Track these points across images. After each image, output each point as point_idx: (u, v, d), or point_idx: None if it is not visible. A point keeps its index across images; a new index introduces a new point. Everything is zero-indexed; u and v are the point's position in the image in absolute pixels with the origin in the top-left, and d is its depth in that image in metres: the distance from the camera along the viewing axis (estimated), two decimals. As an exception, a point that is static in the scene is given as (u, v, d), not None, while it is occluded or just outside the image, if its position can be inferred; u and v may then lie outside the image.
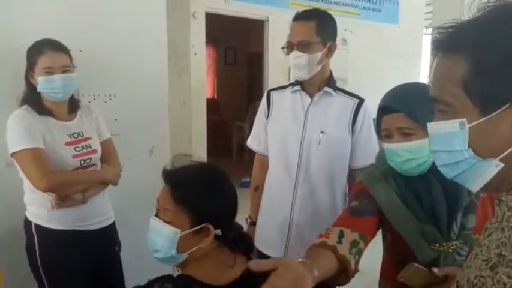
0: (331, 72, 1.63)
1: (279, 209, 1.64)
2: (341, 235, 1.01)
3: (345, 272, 0.97)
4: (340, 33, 5.75)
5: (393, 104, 1.04)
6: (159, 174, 1.00)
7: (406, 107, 1.01)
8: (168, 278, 0.93)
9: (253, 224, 1.77)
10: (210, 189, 0.97)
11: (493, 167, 0.57)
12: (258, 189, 1.76)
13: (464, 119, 0.57)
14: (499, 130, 0.55)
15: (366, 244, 1.07)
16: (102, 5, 2.01)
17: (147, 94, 2.17)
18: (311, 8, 1.76)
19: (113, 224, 1.78)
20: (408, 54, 5.63)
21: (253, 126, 1.78)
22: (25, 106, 1.59)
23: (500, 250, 0.56)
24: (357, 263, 1.00)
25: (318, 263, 0.87)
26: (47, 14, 1.87)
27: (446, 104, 0.60)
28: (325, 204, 1.60)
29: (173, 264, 0.99)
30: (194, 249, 0.93)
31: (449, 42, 0.59)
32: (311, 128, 1.57)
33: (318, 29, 1.52)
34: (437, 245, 1.02)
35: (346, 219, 1.11)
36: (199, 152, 4.08)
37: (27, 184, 1.57)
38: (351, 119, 1.57)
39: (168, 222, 0.94)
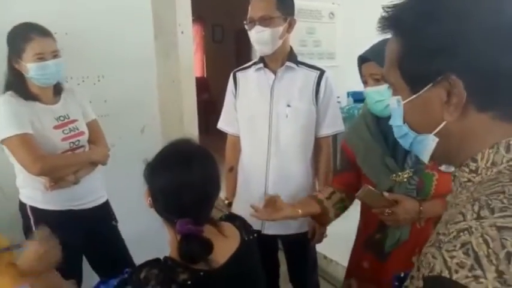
0: (291, 47, 1.67)
1: (254, 184, 1.71)
2: (333, 193, 1.41)
3: (324, 216, 1.39)
4: (328, 6, 5.69)
5: (367, 54, 1.23)
6: (151, 152, 1.03)
7: (377, 56, 1.17)
8: (155, 262, 0.95)
9: (230, 205, 1.83)
10: (161, 164, 0.99)
11: (431, 141, 0.60)
12: (233, 170, 1.82)
13: (399, 97, 0.62)
14: (429, 107, 0.57)
15: (352, 199, 1.40)
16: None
17: (136, 74, 2.18)
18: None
19: (107, 201, 1.83)
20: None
21: (223, 109, 1.82)
22: (10, 92, 1.58)
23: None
24: (337, 215, 1.42)
25: (303, 207, 1.38)
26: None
27: (391, 84, 0.64)
28: (297, 173, 1.69)
29: None
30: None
31: (390, 21, 0.60)
32: (277, 102, 1.63)
33: (278, 4, 1.56)
34: (394, 175, 1.21)
35: (334, 179, 1.49)
36: (191, 131, 4.10)
37: (18, 168, 1.60)
38: (314, 90, 1.63)
39: None
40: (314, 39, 5.15)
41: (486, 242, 0.42)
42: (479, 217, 0.45)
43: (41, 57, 1.54)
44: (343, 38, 5.21)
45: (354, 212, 1.44)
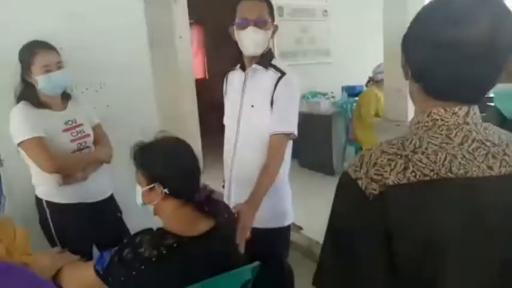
0: (270, 49, 1.75)
1: (225, 169, 1.90)
2: None
3: None
4: (321, 4, 5.84)
5: None
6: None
7: None
8: (147, 230, 1.17)
9: (223, 187, 1.99)
10: (160, 155, 1.20)
11: None
12: None
13: None
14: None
15: None
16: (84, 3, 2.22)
17: (134, 81, 2.40)
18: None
19: (112, 195, 2.07)
20: (390, 20, 5.75)
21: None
22: (23, 101, 1.79)
23: None
24: None
25: None
26: (36, 17, 2.08)
27: None
28: (255, 164, 1.70)
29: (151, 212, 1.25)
30: (155, 202, 1.20)
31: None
32: (246, 101, 1.77)
33: (269, 9, 1.67)
34: None
35: None
36: (193, 131, 4.32)
37: (34, 168, 1.81)
38: (272, 92, 1.68)
39: (138, 182, 1.23)
40: (309, 37, 5.31)
41: (370, 156, 0.74)
42: (380, 145, 0.76)
43: (47, 69, 1.77)
44: (337, 35, 5.37)
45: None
